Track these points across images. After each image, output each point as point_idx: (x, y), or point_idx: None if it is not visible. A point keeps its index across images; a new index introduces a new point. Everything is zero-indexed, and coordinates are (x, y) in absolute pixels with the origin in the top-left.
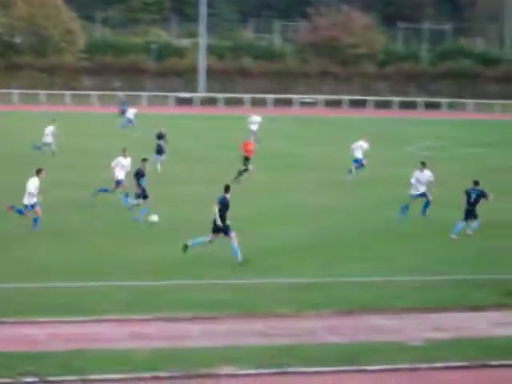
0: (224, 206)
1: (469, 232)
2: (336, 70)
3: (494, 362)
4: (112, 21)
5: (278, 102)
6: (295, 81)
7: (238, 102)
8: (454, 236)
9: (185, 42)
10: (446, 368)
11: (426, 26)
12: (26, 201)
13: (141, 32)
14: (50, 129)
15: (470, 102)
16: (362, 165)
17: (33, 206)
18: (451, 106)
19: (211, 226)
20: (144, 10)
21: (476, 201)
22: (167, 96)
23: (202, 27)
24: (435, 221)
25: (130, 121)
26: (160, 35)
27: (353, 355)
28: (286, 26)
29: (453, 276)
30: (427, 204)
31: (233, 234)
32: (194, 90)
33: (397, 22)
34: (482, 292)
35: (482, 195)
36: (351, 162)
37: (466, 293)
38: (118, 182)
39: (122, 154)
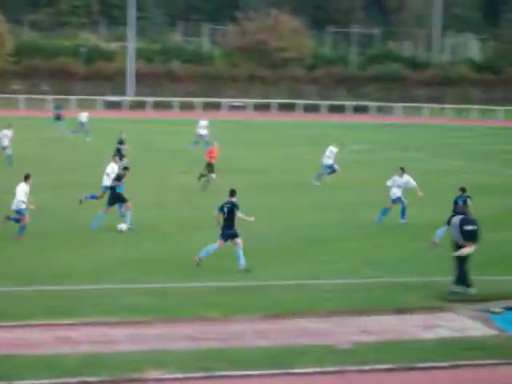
0: (235, 208)
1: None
2: (264, 74)
3: (420, 365)
4: (40, 24)
5: (207, 106)
6: (224, 84)
7: (167, 106)
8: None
9: (113, 46)
10: (373, 370)
11: (355, 29)
12: (14, 206)
13: (69, 35)
14: (3, 132)
15: (398, 105)
16: (329, 171)
17: (18, 212)
18: (380, 109)
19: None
20: (72, 13)
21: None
22: (96, 100)
23: (130, 31)
24: (370, 223)
25: (82, 124)
26: (89, 38)
27: (281, 358)
28: (215, 30)
29: (384, 278)
30: (404, 208)
31: (221, 243)
32: (123, 93)
33: (326, 25)
34: (412, 295)
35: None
36: (322, 168)
37: (395, 295)
38: (106, 189)
39: (113, 159)
